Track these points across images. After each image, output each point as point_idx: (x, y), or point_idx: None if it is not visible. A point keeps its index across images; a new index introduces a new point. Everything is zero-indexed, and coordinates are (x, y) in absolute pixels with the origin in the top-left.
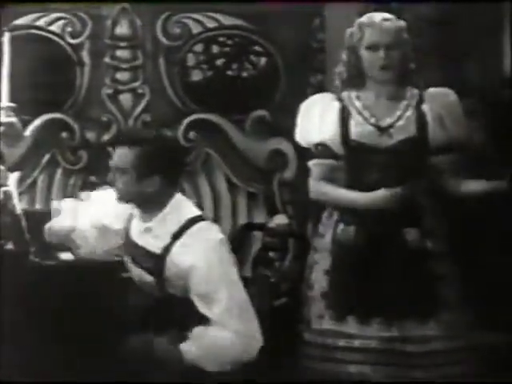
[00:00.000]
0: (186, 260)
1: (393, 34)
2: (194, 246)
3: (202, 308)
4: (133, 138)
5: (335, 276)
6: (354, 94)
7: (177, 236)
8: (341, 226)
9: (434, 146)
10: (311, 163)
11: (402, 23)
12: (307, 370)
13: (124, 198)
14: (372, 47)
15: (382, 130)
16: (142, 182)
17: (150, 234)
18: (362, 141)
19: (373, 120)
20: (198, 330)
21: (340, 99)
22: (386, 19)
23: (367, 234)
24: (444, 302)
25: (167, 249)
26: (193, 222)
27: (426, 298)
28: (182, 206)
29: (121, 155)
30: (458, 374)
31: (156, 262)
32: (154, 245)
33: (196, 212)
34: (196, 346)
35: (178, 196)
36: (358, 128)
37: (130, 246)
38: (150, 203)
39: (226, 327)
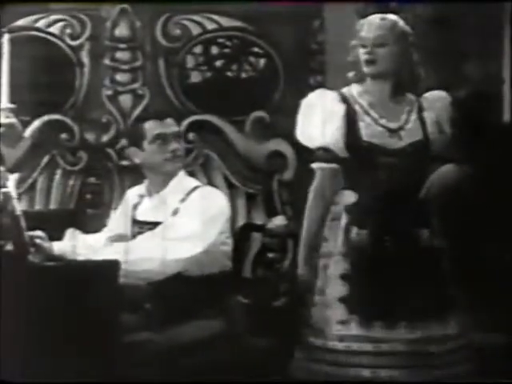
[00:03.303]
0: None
1: (381, 30)
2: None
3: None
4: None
5: (355, 281)
6: (355, 91)
7: (183, 201)
8: (354, 230)
9: (436, 152)
10: (315, 166)
11: (395, 22)
12: (320, 375)
13: (183, 160)
14: (363, 44)
15: (392, 132)
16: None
17: (162, 204)
18: (373, 142)
19: (383, 121)
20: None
21: (344, 99)
22: (381, 18)
23: (381, 237)
24: (459, 300)
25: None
26: (196, 188)
27: (443, 297)
28: (186, 177)
29: (171, 123)
30: (470, 372)
31: None
32: (161, 214)
33: (198, 182)
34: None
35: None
36: (368, 129)
37: (138, 229)
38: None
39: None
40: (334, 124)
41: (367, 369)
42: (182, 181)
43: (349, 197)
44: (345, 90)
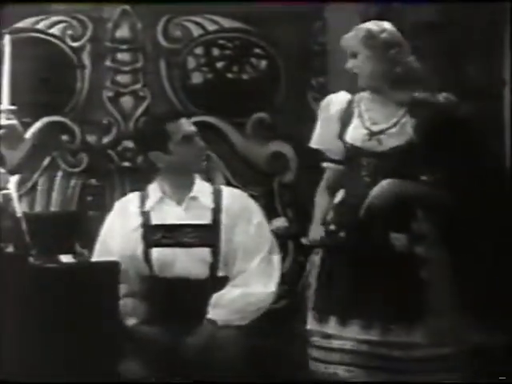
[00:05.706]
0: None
1: (355, 40)
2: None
3: (241, 261)
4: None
5: (321, 279)
6: (366, 95)
7: (217, 200)
8: (331, 228)
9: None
10: (324, 164)
11: (366, 28)
12: (308, 372)
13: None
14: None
15: (372, 135)
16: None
17: (195, 204)
18: (355, 144)
19: (368, 123)
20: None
21: (349, 102)
22: (358, 28)
23: (355, 239)
24: (431, 307)
25: (215, 215)
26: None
27: (412, 304)
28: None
29: (188, 123)
30: (446, 381)
31: (209, 230)
32: (199, 216)
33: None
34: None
35: None
36: (353, 132)
37: (168, 233)
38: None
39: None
40: (332, 126)
41: (321, 363)
42: (199, 182)
43: (338, 196)
44: (358, 95)
